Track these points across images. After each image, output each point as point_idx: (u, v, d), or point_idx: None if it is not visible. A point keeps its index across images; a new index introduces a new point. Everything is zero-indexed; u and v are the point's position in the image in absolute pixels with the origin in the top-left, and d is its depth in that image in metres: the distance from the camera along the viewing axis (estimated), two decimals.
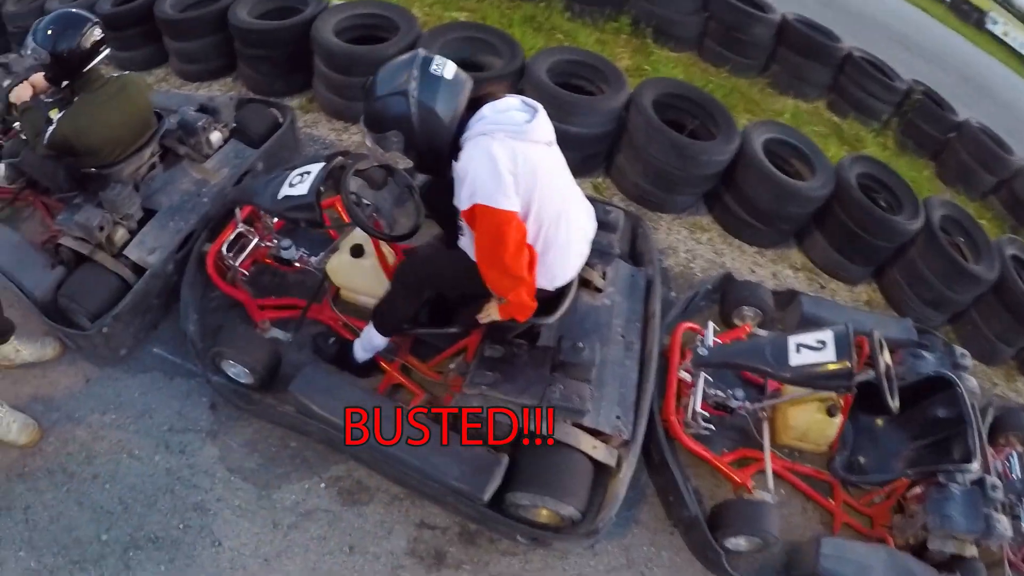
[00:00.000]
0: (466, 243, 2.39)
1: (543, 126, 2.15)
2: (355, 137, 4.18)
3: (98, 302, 2.92)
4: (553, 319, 2.50)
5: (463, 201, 2.08)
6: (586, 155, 4.15)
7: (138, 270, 3.06)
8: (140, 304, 2.98)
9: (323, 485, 2.76)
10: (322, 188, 2.65)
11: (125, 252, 3.06)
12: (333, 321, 3.09)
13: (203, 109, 3.53)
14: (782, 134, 4.29)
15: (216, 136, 3.52)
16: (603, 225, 3.13)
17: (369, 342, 2.82)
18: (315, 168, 2.74)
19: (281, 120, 3.83)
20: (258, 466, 2.82)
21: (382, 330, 2.74)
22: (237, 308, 3.15)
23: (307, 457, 2.84)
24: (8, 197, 3.50)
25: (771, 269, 4.21)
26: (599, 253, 3.08)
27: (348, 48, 3.96)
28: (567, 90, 3.96)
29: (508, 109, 2.12)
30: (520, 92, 3.85)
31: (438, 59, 2.07)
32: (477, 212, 2.05)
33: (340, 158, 2.80)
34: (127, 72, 3.23)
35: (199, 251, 3.13)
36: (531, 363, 2.63)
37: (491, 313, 2.42)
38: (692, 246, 4.20)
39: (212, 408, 2.96)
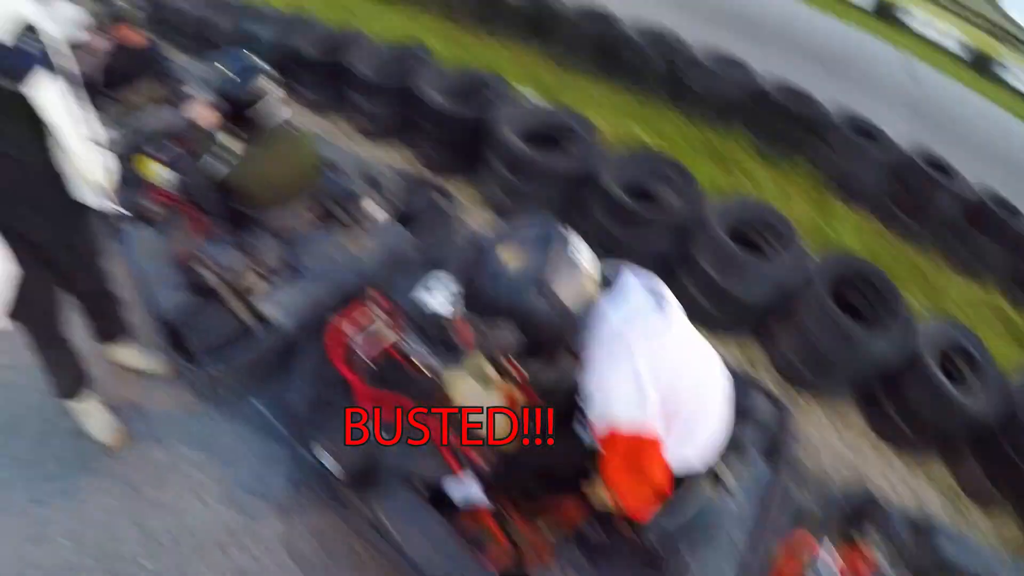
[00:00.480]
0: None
1: (675, 311, 1.83)
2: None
3: (214, 340, 2.92)
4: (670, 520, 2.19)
5: (595, 419, 1.74)
6: (740, 318, 3.84)
7: (261, 321, 3.05)
8: (258, 359, 2.94)
9: None
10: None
11: (255, 302, 3.06)
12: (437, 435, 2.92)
13: (373, 181, 3.54)
14: (958, 335, 3.83)
15: (378, 212, 3.52)
16: (743, 412, 2.80)
17: (466, 492, 2.61)
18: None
19: (446, 209, 3.79)
20: (318, 560, 2.63)
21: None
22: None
23: (369, 570, 2.65)
24: (170, 205, 3.63)
25: (907, 480, 3.71)
26: (734, 447, 2.74)
27: (522, 149, 3.90)
28: (739, 244, 3.69)
29: (631, 291, 1.76)
30: (689, 240, 3.69)
31: (574, 239, 1.73)
32: (614, 437, 1.72)
33: None
34: (300, 129, 3.30)
35: (332, 326, 3.07)
36: (628, 563, 2.32)
37: (604, 500, 2.14)
38: (832, 441, 3.75)
39: (291, 483, 2.84)
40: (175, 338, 2.99)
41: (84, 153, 2.18)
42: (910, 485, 3.70)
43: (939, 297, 4.89)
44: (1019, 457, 3.44)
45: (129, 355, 3.03)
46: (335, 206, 3.48)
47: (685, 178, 3.94)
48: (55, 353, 2.56)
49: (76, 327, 2.79)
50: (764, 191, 4.93)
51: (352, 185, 3.42)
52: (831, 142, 5.26)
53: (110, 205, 2.37)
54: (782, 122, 5.32)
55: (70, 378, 2.65)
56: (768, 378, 3.84)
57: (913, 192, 5.23)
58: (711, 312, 3.74)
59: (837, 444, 3.75)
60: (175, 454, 2.83)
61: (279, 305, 3.06)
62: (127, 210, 3.50)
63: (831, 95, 6.28)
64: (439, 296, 2.58)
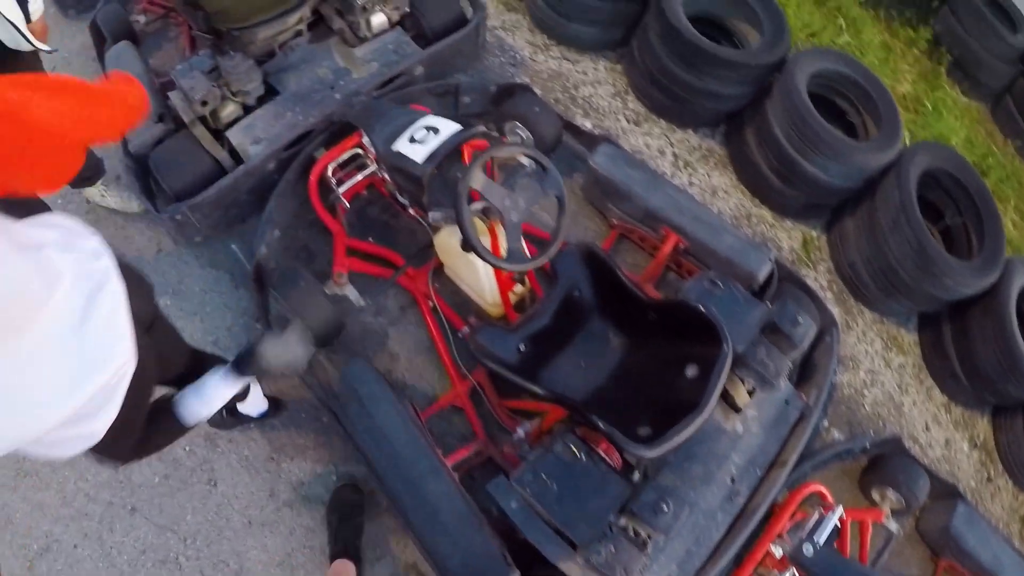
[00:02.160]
0: None
1: None
2: (552, 63, 3.44)
3: (183, 181, 2.54)
4: (654, 453, 1.87)
5: None
6: (812, 203, 3.24)
7: (237, 156, 2.67)
8: (225, 198, 2.58)
9: (334, 478, 2.47)
10: (441, 164, 2.09)
11: (228, 134, 2.65)
12: (423, 297, 2.61)
13: None
14: None
15: (379, 20, 2.91)
16: (777, 334, 2.38)
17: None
18: (446, 129, 2.15)
19: (468, 16, 3.13)
20: (281, 425, 2.52)
21: None
22: (328, 234, 2.73)
23: (332, 442, 2.49)
24: (159, 12, 3.15)
25: (948, 433, 3.32)
26: (758, 374, 2.34)
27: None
28: (824, 111, 3.01)
29: None
30: (766, 93, 3.02)
31: None
32: None
33: (481, 128, 2.18)
34: None
35: (308, 155, 2.66)
36: (601, 488, 2.04)
37: None
38: (878, 366, 3.30)
39: None
40: (144, 176, 2.66)
41: None
42: (949, 440, 3.30)
43: None
44: None
45: (103, 194, 2.77)
46: (333, 14, 2.92)
47: (771, 13, 3.15)
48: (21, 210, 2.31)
49: None
50: (867, 52, 4.05)
51: None
52: (959, 12, 4.21)
53: (38, 44, 1.93)
54: None
55: None
56: (826, 280, 3.33)
57: None
58: (777, 187, 3.16)
59: (884, 374, 3.30)
60: None
61: (252, 135, 2.64)
62: (111, 26, 3.05)
63: None
64: (420, 149, 2.13)
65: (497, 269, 2.21)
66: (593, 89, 3.35)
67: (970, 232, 3.18)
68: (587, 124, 3.23)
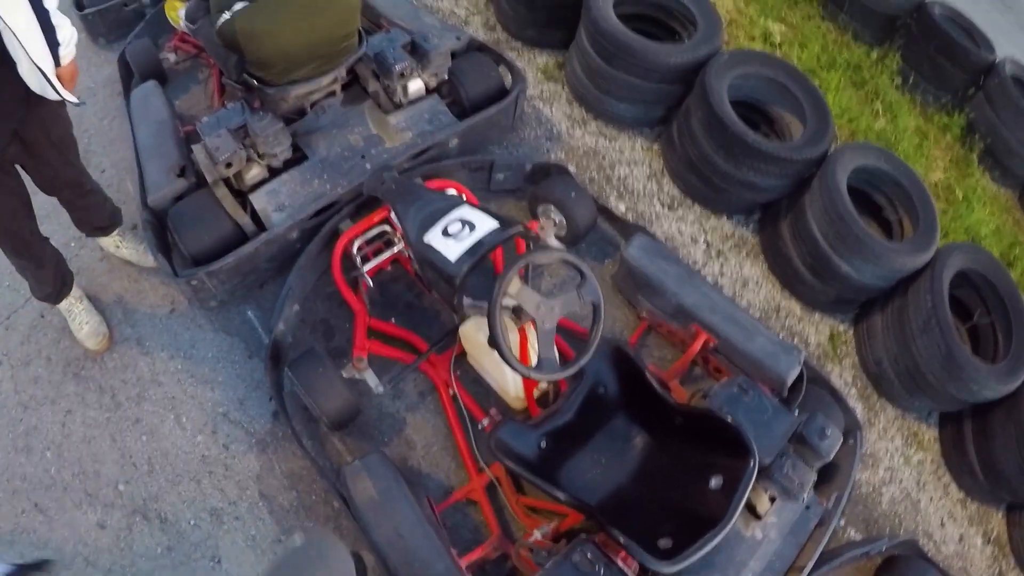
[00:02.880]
0: None
1: None
2: (588, 139, 3.37)
3: (202, 243, 2.46)
4: (673, 569, 1.79)
5: None
6: (843, 298, 3.21)
7: (259, 220, 2.59)
8: (244, 266, 2.51)
9: None
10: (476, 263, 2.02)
11: (252, 197, 2.57)
12: (444, 385, 2.53)
13: (414, 48, 2.84)
14: None
15: (416, 86, 2.85)
16: (804, 444, 2.33)
17: None
18: (482, 225, 2.08)
19: (507, 86, 3.07)
20: (291, 507, 2.44)
21: None
22: (349, 310, 2.65)
23: (342, 527, 2.41)
24: (190, 52, 3.09)
25: (962, 529, 3.27)
26: (783, 487, 2.27)
27: (623, 33, 3.06)
28: (858, 203, 2.99)
29: None
30: (805, 186, 2.96)
31: None
32: None
33: (519, 228, 2.10)
34: None
35: (333, 227, 2.58)
36: None
37: None
38: (897, 463, 3.25)
39: (275, 416, 2.54)
40: (161, 232, 2.58)
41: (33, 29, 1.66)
42: (963, 536, 3.24)
43: None
44: None
45: (119, 245, 2.70)
46: (369, 76, 2.85)
47: (815, 106, 3.09)
48: (28, 261, 2.28)
49: (59, 222, 2.59)
50: (903, 139, 4.01)
51: (396, 55, 2.74)
52: (992, 95, 4.17)
53: (66, 94, 1.86)
54: (944, 57, 4.23)
55: (49, 284, 2.39)
56: (851, 375, 3.28)
57: None
58: (808, 281, 3.10)
59: (902, 471, 3.24)
60: (158, 365, 2.61)
61: (275, 201, 2.57)
62: (140, 61, 2.99)
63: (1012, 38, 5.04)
64: (454, 246, 2.06)
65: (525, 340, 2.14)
66: (629, 170, 3.29)
67: (997, 333, 3.12)
68: (621, 207, 3.17)
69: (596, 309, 2.05)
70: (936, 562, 2.67)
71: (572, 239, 2.86)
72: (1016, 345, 2.99)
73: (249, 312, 2.72)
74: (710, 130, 2.94)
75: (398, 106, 2.88)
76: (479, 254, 2.04)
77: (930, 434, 3.41)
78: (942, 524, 3.23)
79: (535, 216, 2.87)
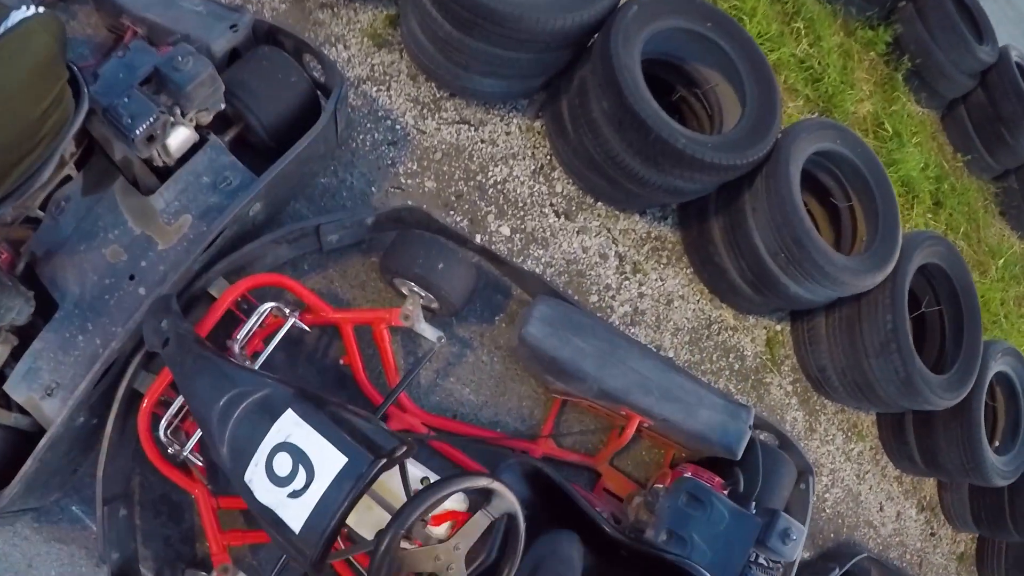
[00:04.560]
0: None
1: None
2: (446, 132, 2.38)
3: None
4: None
5: None
6: (782, 307, 2.70)
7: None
8: (37, 480, 1.62)
9: None
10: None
11: (6, 389, 1.64)
12: None
13: (159, 78, 1.72)
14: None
15: (180, 139, 1.77)
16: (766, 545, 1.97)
17: None
18: (327, 460, 1.23)
19: (319, 88, 2.05)
20: None
21: None
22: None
23: None
24: None
25: (899, 506, 3.24)
26: None
27: None
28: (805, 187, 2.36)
29: None
30: (750, 188, 2.27)
31: None
32: None
33: (402, 449, 1.28)
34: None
35: (128, 390, 1.67)
36: None
37: None
38: (839, 463, 3.03)
39: None
40: None
41: None
42: (900, 512, 3.23)
43: (984, 250, 3.83)
44: None
45: None
46: (116, 139, 1.74)
47: (758, 76, 2.23)
48: None
49: None
50: (827, 63, 3.33)
51: (134, 107, 1.66)
52: (924, 7, 3.53)
53: None
54: None
55: None
56: (790, 379, 2.86)
57: (996, 114, 3.77)
58: (746, 294, 2.52)
59: (843, 470, 3.04)
60: None
61: (38, 385, 1.64)
62: None
63: None
64: (298, 505, 1.26)
65: None
66: (507, 169, 2.39)
67: (946, 327, 2.81)
68: (505, 230, 2.32)
69: (515, 524, 1.34)
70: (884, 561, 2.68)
71: (450, 313, 2.05)
72: (967, 351, 2.71)
73: (74, 507, 1.86)
74: (621, 127, 2.07)
75: (163, 173, 1.82)
76: (331, 523, 1.20)
77: (868, 420, 3.16)
78: (880, 508, 3.18)
79: (390, 284, 2.02)
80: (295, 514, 1.20)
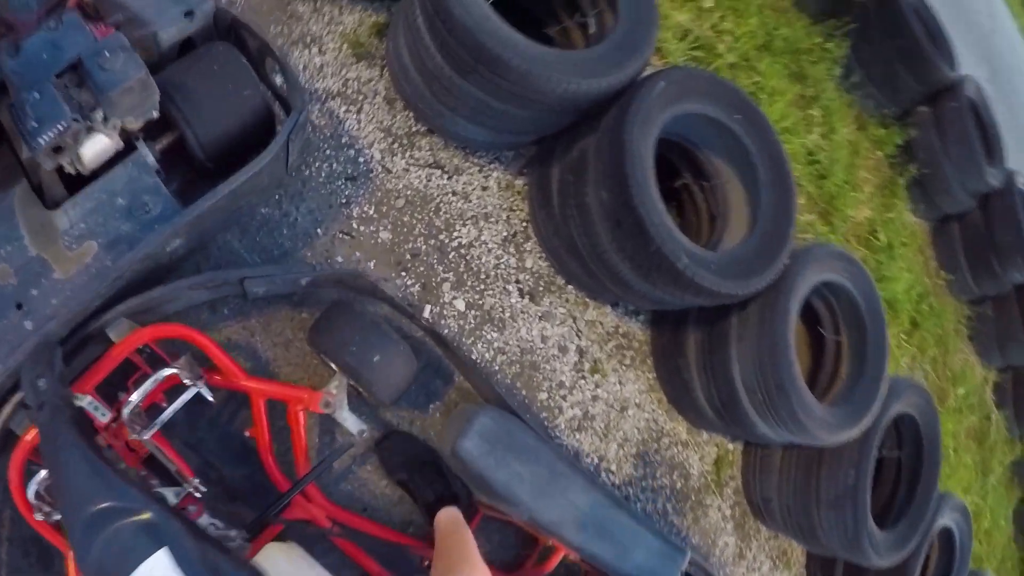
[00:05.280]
0: None
1: None
2: (415, 175, 2.04)
3: None
4: None
5: None
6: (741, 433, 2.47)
7: None
8: None
9: None
10: None
11: None
12: None
13: (83, 71, 1.34)
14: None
15: (96, 148, 1.40)
16: None
17: None
18: None
19: (276, 112, 1.69)
20: None
21: None
22: None
23: None
24: None
25: None
26: None
27: (492, 29, 1.69)
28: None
29: None
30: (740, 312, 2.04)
31: None
32: None
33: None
34: None
35: (2, 432, 1.36)
36: None
37: None
38: None
39: None
40: None
41: None
42: None
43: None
44: None
45: None
46: (13, 127, 1.35)
47: (776, 181, 1.98)
48: None
49: None
50: (837, 156, 3.14)
51: (44, 107, 1.28)
52: (944, 118, 3.35)
53: None
54: (902, 62, 3.26)
55: None
56: (731, 503, 2.64)
57: (986, 239, 3.66)
58: (709, 417, 2.29)
59: None
60: None
61: None
62: None
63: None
64: None
65: None
66: (476, 231, 2.08)
67: (901, 475, 2.63)
68: (460, 304, 2.01)
69: None
70: None
71: (379, 405, 1.75)
72: (917, 506, 2.53)
73: None
74: (618, 226, 1.77)
75: (75, 183, 1.45)
76: None
77: (799, 550, 2.96)
78: None
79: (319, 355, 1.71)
80: None
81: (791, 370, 1.91)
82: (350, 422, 1.61)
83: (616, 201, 1.75)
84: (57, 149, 1.30)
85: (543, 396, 2.12)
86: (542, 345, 2.13)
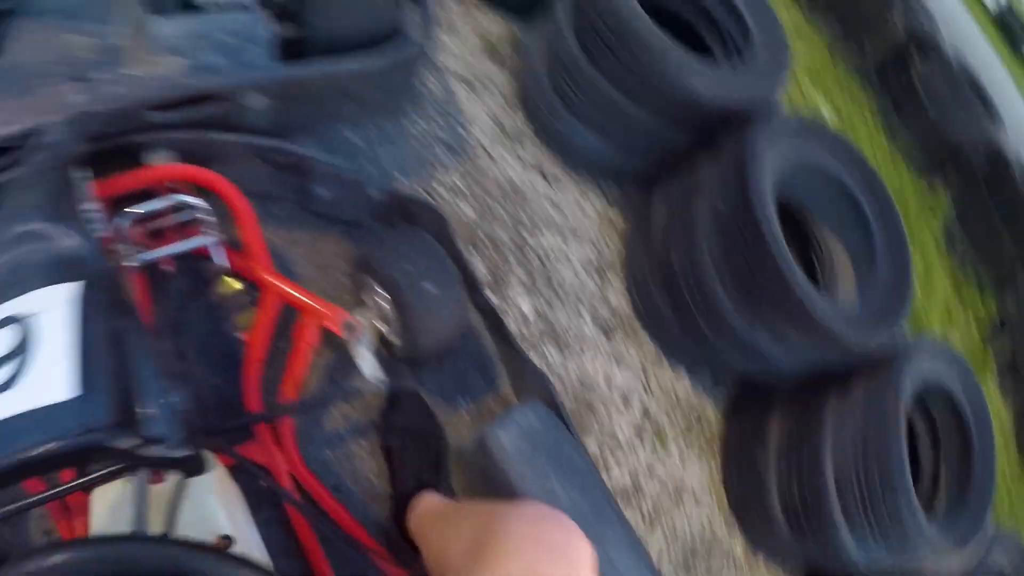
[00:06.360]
0: None
1: None
2: (515, 169, 1.91)
3: None
4: None
5: None
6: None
7: None
8: None
9: None
10: None
11: None
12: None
13: None
14: None
15: None
16: None
17: None
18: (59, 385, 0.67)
19: (400, 31, 1.62)
20: None
21: None
22: None
23: None
24: None
25: None
26: None
27: (639, 17, 1.67)
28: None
29: None
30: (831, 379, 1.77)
31: None
32: None
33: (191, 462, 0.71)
34: None
35: None
36: None
37: None
38: None
39: None
40: None
41: None
42: None
43: None
44: None
45: None
46: None
47: (893, 250, 1.83)
48: None
49: None
50: (930, 320, 2.92)
51: None
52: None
53: None
54: (1010, 231, 3.17)
55: None
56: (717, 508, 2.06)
57: None
58: (779, 533, 1.90)
59: None
60: None
61: None
62: None
63: None
64: None
65: None
66: (561, 241, 1.90)
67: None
68: (526, 306, 1.78)
69: None
70: None
71: (406, 357, 1.46)
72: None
73: None
74: (748, 272, 1.59)
75: (186, 7, 1.41)
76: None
77: None
78: None
79: (356, 285, 1.49)
80: None
81: (901, 463, 1.58)
82: (367, 363, 1.31)
83: (738, 218, 1.57)
84: None
85: (592, 445, 1.79)
86: (605, 388, 1.85)
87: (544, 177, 1.95)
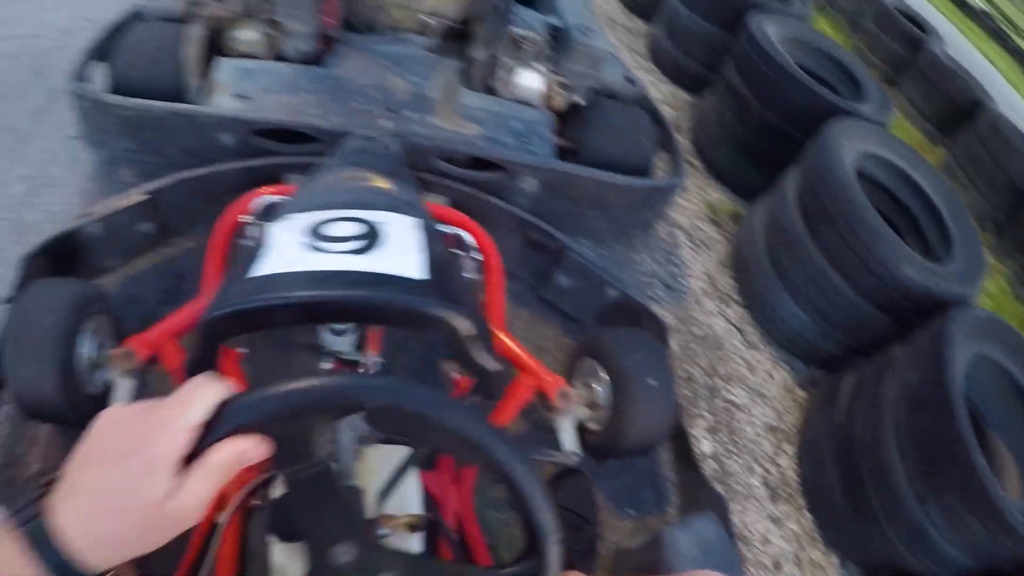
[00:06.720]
0: None
1: None
2: (719, 323, 2.15)
3: (130, 78, 1.70)
4: None
5: None
6: None
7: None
8: (152, 130, 1.65)
9: None
10: None
11: (216, 64, 1.80)
12: None
13: (556, 38, 1.89)
14: None
15: (528, 81, 1.92)
16: None
17: None
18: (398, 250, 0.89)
19: (654, 170, 1.98)
20: None
21: None
22: None
23: None
24: None
25: None
26: None
27: (862, 205, 1.90)
28: None
29: None
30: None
31: None
32: None
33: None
34: None
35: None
36: None
37: None
38: None
39: None
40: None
41: None
42: None
43: None
44: None
45: None
46: (481, 46, 1.91)
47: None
48: None
49: None
50: None
51: (524, 20, 1.86)
52: None
53: None
54: None
55: None
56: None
57: None
58: None
59: None
60: None
61: (241, 83, 1.76)
62: None
63: None
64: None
65: None
66: (748, 399, 2.04)
67: None
68: (706, 445, 1.92)
69: None
70: None
71: (602, 448, 1.62)
72: None
73: None
74: (923, 428, 1.65)
75: (490, 92, 1.89)
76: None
77: None
78: None
79: (570, 374, 1.67)
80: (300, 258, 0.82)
81: None
82: (568, 434, 1.39)
83: (928, 414, 1.65)
84: (515, 45, 1.81)
85: None
86: (759, 545, 1.88)
87: (743, 340, 2.13)
